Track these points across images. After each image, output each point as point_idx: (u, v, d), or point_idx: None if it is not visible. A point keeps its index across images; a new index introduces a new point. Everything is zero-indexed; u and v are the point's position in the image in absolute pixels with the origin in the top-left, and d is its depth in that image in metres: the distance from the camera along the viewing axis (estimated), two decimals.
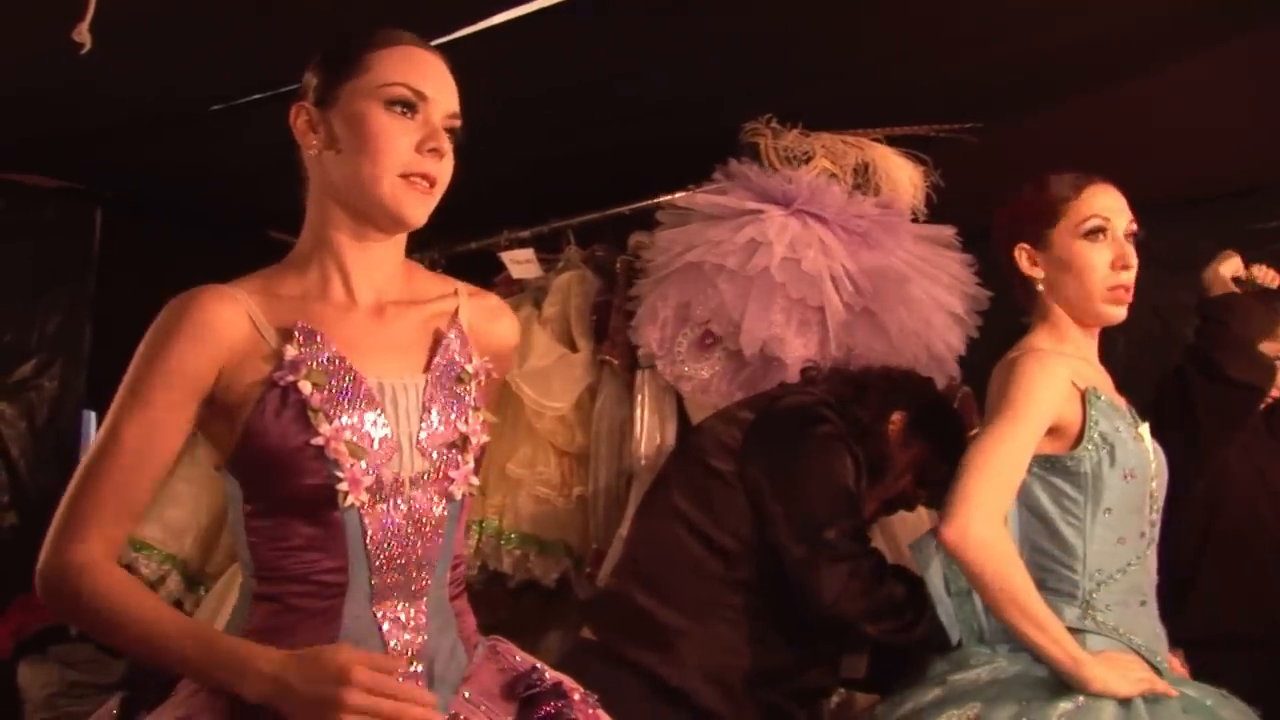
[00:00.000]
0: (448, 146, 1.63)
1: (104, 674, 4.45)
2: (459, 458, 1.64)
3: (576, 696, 1.73)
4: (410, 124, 1.61)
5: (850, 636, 2.57)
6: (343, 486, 1.54)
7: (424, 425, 1.62)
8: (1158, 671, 2.12)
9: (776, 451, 2.53)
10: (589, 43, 3.12)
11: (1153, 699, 2.03)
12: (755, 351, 3.00)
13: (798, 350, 2.97)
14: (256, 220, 4.81)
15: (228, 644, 1.50)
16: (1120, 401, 2.23)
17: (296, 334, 1.58)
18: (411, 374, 1.65)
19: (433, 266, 3.98)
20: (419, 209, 1.62)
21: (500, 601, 3.42)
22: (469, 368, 1.69)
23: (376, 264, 1.67)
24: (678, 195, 3.31)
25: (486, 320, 1.78)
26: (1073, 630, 2.09)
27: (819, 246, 3.06)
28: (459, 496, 1.65)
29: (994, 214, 2.35)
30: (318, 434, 1.53)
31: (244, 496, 1.60)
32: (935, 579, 2.29)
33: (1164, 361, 3.01)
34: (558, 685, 1.72)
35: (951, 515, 2.03)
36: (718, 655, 2.46)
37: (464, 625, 1.71)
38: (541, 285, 3.72)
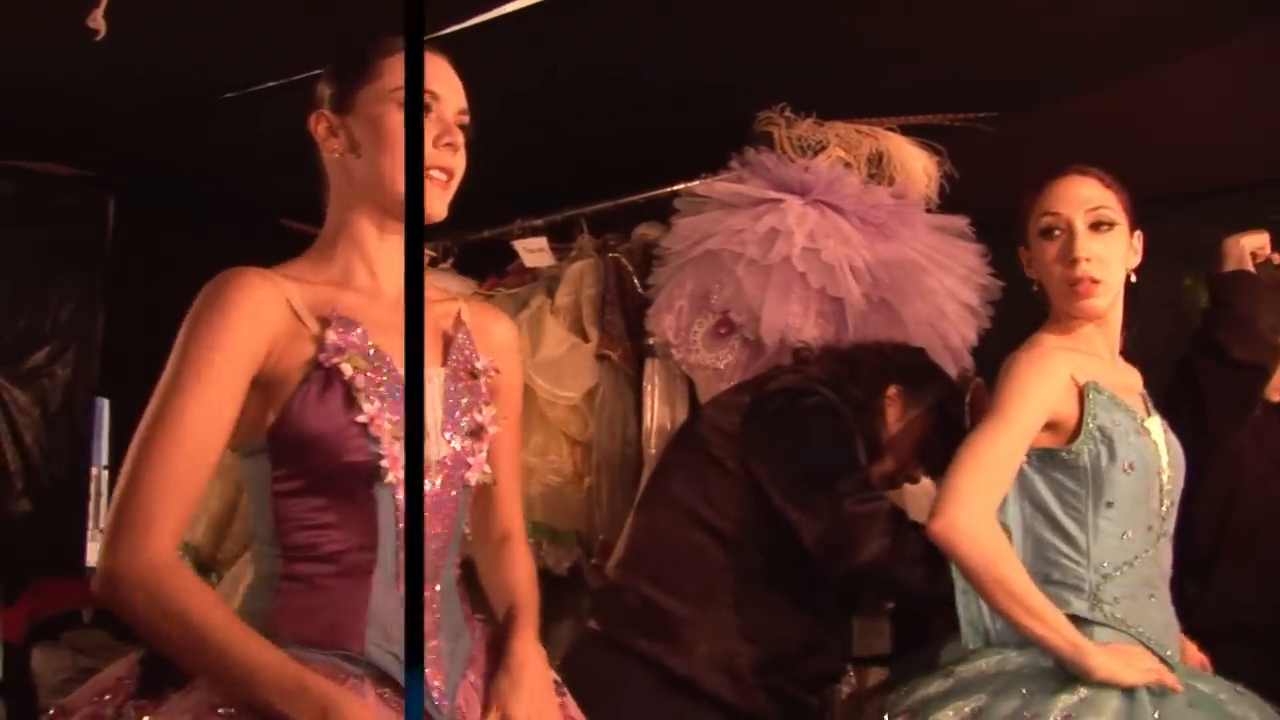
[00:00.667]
0: (461, 140, 1.72)
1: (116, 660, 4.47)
2: (475, 446, 1.72)
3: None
4: (425, 121, 1.69)
5: (870, 599, 2.55)
6: (385, 463, 1.59)
7: (445, 414, 1.70)
8: (1168, 665, 2.12)
9: (774, 432, 2.53)
10: (602, 30, 3.11)
11: (1159, 692, 2.02)
12: (775, 341, 3.00)
13: (816, 340, 2.97)
14: (268, 208, 4.82)
15: (312, 678, 1.50)
16: (1129, 395, 2.22)
17: (334, 320, 1.63)
18: (432, 365, 1.73)
19: (446, 255, 3.99)
20: (438, 202, 1.70)
21: None
22: (479, 364, 1.78)
23: (398, 257, 1.73)
24: (693, 184, 3.30)
25: (486, 323, 1.86)
26: (1081, 621, 2.09)
27: (838, 236, 3.05)
28: (474, 483, 1.73)
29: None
30: (362, 412, 1.59)
31: (274, 477, 1.62)
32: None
33: (1175, 353, 2.99)
34: None
35: (939, 510, 2.04)
36: (724, 643, 2.46)
37: (465, 607, 1.79)
38: (554, 274, 3.71)
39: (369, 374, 1.62)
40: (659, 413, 3.29)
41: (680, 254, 3.20)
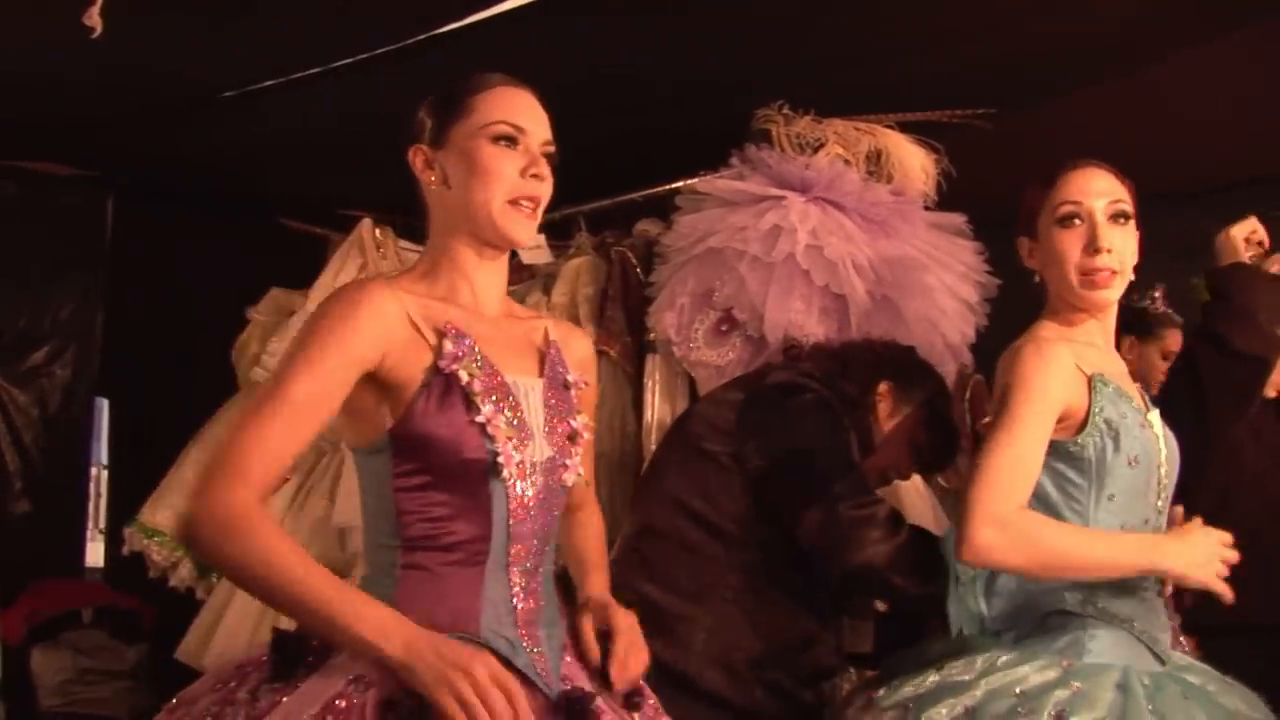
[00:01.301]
0: (548, 171, 1.86)
1: (116, 661, 4.49)
2: (571, 449, 1.88)
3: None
4: (514, 154, 1.83)
5: (862, 600, 2.56)
6: (500, 459, 1.75)
7: (547, 419, 1.85)
8: (1160, 660, 2.12)
9: (769, 427, 2.54)
10: (600, 29, 3.12)
11: (1153, 685, 2.03)
12: (779, 338, 3.00)
13: (818, 338, 2.97)
14: (267, 207, 4.82)
15: (375, 606, 1.64)
16: (1130, 387, 2.23)
17: (449, 332, 1.78)
18: (531, 375, 1.88)
19: None
20: (525, 229, 1.85)
21: None
22: (569, 377, 1.94)
23: (493, 278, 1.90)
24: (692, 181, 3.30)
25: (569, 339, 2.02)
26: (1073, 615, 2.10)
27: (841, 233, 3.06)
28: (570, 483, 1.89)
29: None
30: (480, 414, 1.75)
31: (396, 473, 1.76)
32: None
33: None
34: None
35: (961, 536, 2.02)
36: (721, 638, 2.46)
37: (557, 599, 1.93)
38: (551, 272, 3.72)
39: (482, 379, 1.77)
40: (659, 409, 3.29)
41: (682, 251, 3.20)
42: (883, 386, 2.66)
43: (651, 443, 3.25)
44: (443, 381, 1.75)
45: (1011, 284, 3.01)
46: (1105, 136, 3.05)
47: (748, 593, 2.48)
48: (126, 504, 4.25)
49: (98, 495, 6.24)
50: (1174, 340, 3.50)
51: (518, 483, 1.78)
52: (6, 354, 4.64)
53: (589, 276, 3.58)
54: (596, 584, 2.04)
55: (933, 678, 2.12)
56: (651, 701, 1.95)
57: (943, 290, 3.09)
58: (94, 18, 2.21)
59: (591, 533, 2.14)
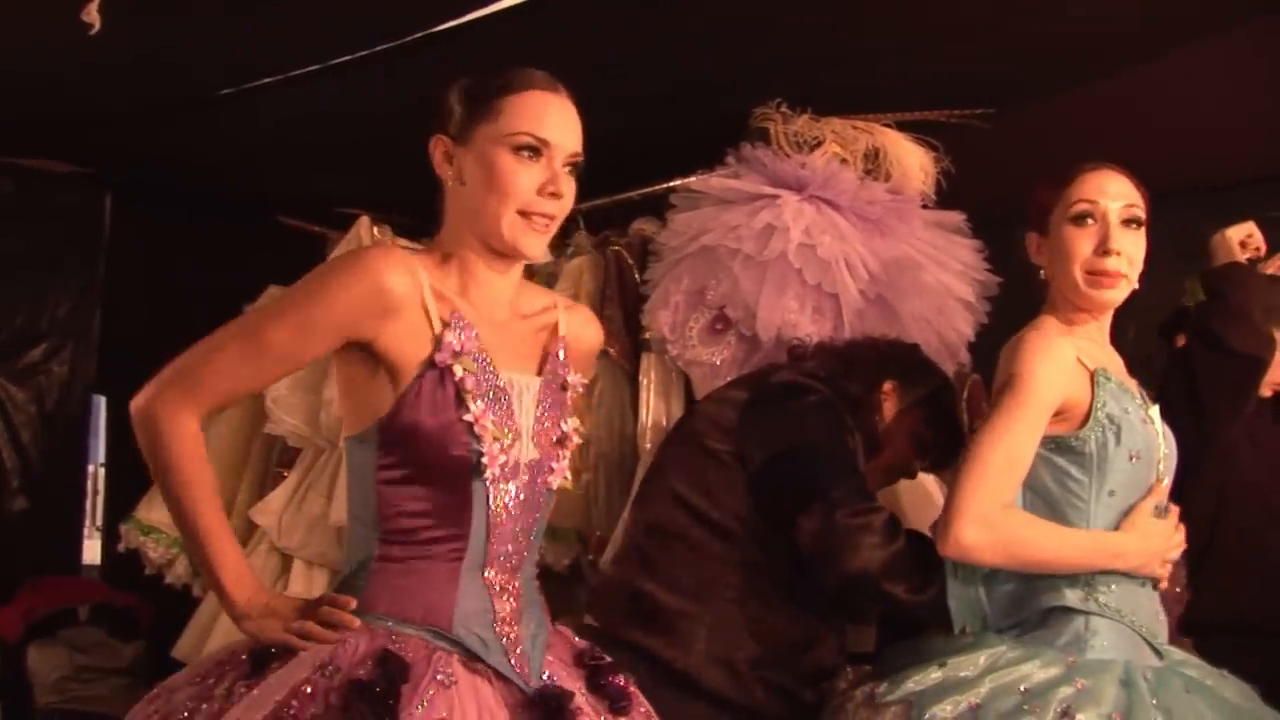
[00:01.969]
0: (567, 189, 1.81)
1: (112, 658, 4.48)
2: (559, 452, 1.88)
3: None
4: (534, 168, 1.78)
5: (859, 606, 2.56)
6: (485, 460, 1.74)
7: (537, 421, 1.84)
8: (1158, 654, 2.13)
9: (772, 427, 2.53)
10: (597, 27, 3.11)
11: (1157, 680, 2.04)
12: (771, 337, 3.00)
13: (811, 336, 2.97)
14: (265, 205, 4.82)
15: (242, 561, 1.76)
16: (1132, 384, 2.23)
17: (454, 322, 1.76)
18: (528, 375, 1.86)
19: None
20: (535, 244, 1.81)
21: None
22: (569, 379, 1.92)
23: (499, 280, 1.86)
24: (689, 179, 3.30)
25: (580, 328, 1.99)
26: (1072, 612, 2.11)
27: (834, 232, 3.05)
28: (555, 486, 1.89)
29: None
30: (469, 411, 1.74)
31: (380, 465, 1.76)
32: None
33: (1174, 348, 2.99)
34: (614, 662, 1.96)
35: (945, 531, 2.07)
36: (722, 636, 2.45)
37: (541, 600, 1.94)
38: (552, 271, 3.71)
39: (477, 377, 1.76)
40: (654, 408, 3.29)
41: (676, 250, 3.19)
42: (887, 385, 2.66)
43: (647, 442, 3.24)
44: (437, 375, 1.74)
45: (1011, 283, 3.01)
46: (1105, 134, 3.06)
47: (749, 592, 2.47)
48: (124, 501, 4.23)
49: (95, 493, 6.23)
50: None
51: (501, 484, 1.78)
52: (4, 351, 4.63)
53: (591, 275, 3.58)
54: None
55: (936, 674, 2.12)
56: (643, 710, 1.94)
57: (940, 289, 3.09)
58: (92, 14, 2.21)
59: None
